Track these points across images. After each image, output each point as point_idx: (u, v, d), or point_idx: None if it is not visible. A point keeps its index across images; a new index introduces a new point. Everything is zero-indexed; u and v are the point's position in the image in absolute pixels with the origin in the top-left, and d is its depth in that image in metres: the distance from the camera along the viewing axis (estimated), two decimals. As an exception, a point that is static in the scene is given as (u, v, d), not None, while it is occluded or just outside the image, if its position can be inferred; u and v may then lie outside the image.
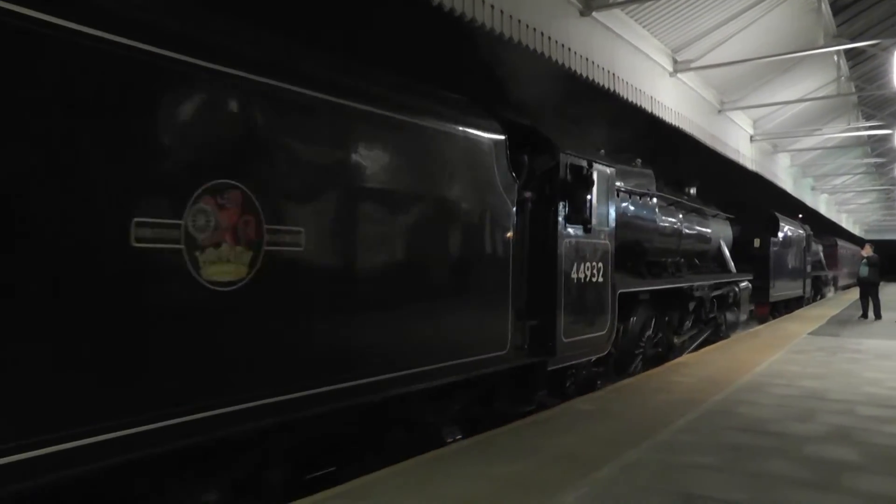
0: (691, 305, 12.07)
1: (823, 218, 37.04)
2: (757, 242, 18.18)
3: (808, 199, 32.41)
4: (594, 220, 7.64)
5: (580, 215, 7.38)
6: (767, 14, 14.79)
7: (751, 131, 22.14)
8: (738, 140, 20.77)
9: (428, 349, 5.52)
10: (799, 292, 22.11)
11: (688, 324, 12.22)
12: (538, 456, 5.27)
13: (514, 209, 6.59)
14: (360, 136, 4.98)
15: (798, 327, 15.93)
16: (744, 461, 5.27)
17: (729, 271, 14.82)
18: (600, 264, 8.00)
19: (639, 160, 10.78)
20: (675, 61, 14.89)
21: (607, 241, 8.21)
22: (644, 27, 13.23)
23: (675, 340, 11.55)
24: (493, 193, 6.32)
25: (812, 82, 20.06)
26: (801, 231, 22.55)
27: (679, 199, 12.50)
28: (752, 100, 19.45)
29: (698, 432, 6.11)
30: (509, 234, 6.54)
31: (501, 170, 6.40)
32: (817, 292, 27.46)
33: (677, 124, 15.24)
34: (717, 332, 13.87)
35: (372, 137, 5.08)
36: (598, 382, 8.70)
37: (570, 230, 7.39)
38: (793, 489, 4.68)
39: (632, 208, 10.06)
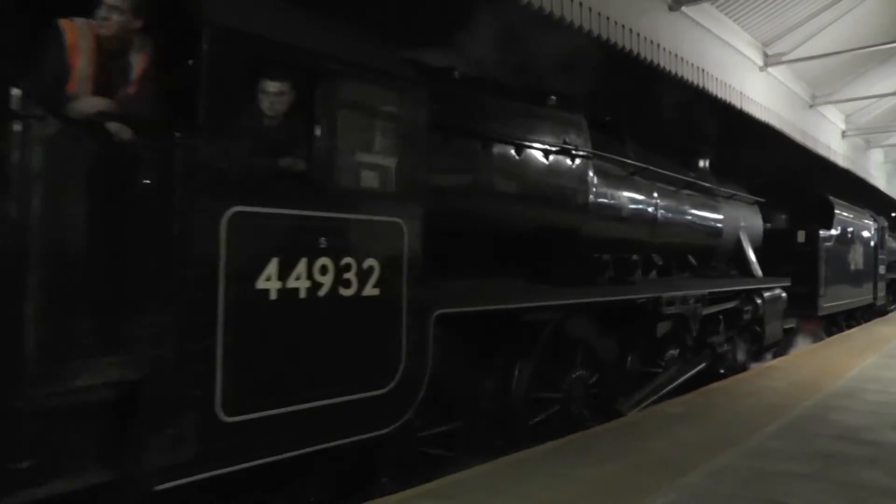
0: (661, 329, 7.98)
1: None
2: (801, 236, 13.88)
3: (904, 198, 31.07)
4: (342, 174, 4.27)
5: (287, 160, 4.07)
6: (863, 2, 14.25)
7: (843, 126, 21.37)
8: (829, 136, 20.08)
9: None
10: (867, 299, 17.70)
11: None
12: (626, 459, 5.29)
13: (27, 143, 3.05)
14: None
15: (892, 330, 15.33)
16: (836, 470, 5.17)
17: (750, 275, 10.93)
18: (371, 262, 4.39)
19: (553, 97, 7.20)
20: (765, 55, 14.52)
21: (397, 219, 4.57)
22: (734, 20, 12.96)
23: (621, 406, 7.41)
24: None
25: (910, 73, 19.25)
26: (869, 222, 18.09)
27: (647, 167, 8.24)
28: (845, 93, 18.77)
29: (789, 439, 6.01)
30: None
31: None
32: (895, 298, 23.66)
33: (767, 120, 14.85)
34: (727, 367, 9.90)
35: None
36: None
37: (259, 191, 3.81)
38: (887, 500, 4.58)
39: (529, 169, 6.41)
